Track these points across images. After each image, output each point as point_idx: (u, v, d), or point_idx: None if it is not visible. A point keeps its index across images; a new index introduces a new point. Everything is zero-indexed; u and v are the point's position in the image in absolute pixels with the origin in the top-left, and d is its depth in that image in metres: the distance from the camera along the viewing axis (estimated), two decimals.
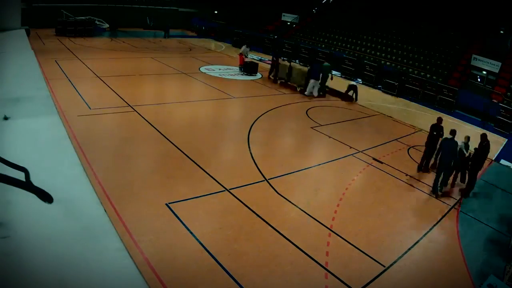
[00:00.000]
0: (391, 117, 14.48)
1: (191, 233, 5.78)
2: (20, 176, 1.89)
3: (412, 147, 11.35)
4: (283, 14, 30.49)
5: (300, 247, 5.84)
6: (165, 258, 5.17)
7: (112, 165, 7.74)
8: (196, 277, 4.94)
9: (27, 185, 1.85)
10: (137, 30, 30.51)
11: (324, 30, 27.68)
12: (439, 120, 9.71)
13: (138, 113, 10.82)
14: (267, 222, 6.39)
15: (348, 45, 25.04)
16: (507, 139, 13.98)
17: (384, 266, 5.69)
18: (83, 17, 26.30)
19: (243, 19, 33.48)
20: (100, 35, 26.06)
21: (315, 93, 15.66)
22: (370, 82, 20.28)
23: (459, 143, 8.57)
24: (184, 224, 5.96)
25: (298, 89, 16.27)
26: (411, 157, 10.50)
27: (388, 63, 21.78)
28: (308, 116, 13.01)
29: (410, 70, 20.68)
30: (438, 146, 9.08)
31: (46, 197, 1.90)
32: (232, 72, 19.02)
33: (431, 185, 8.82)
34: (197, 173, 7.82)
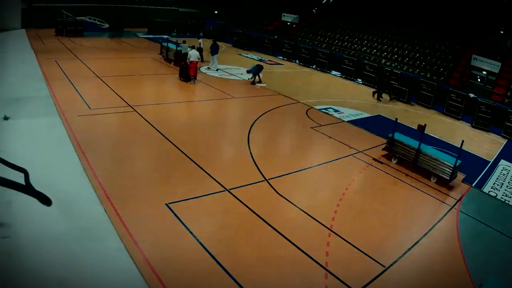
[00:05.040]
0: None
1: (191, 233, 5.78)
2: (20, 177, 1.88)
3: None
4: (283, 14, 30.49)
5: (300, 247, 5.84)
6: (165, 258, 5.17)
7: (112, 165, 7.74)
8: (196, 277, 4.94)
9: (26, 188, 1.86)
10: (140, 30, 30.46)
11: (324, 30, 27.68)
12: None
13: (138, 113, 10.82)
14: (267, 222, 6.39)
15: (348, 45, 25.05)
16: (506, 140, 13.96)
17: (384, 266, 5.69)
18: (83, 17, 26.28)
19: (243, 19, 33.48)
20: (100, 35, 26.04)
21: None
22: (370, 82, 20.27)
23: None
24: (184, 224, 5.96)
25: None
26: None
27: (388, 63, 21.78)
28: (308, 116, 13.01)
29: (410, 70, 20.68)
30: None
31: (45, 200, 1.91)
32: (232, 72, 19.02)
33: (431, 185, 8.83)
34: (197, 173, 7.82)
